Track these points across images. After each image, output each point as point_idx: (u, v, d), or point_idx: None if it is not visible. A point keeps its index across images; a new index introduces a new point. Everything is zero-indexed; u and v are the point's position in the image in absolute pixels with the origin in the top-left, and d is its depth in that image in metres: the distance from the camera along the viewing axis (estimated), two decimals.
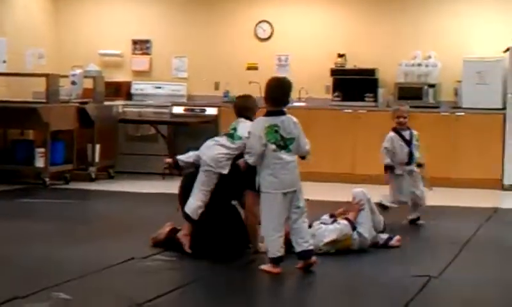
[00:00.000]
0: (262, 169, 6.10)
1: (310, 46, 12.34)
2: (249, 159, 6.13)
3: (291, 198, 6.08)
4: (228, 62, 12.58)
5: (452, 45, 11.79)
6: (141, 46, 13.00)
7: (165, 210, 7.73)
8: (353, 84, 11.92)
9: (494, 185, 11.09)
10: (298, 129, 6.18)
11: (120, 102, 12.36)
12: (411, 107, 9.13)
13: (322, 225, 6.81)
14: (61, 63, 12.55)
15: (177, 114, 12.32)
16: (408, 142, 8.37)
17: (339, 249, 6.72)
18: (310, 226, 6.60)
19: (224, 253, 6.50)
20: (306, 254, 6.10)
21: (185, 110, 12.36)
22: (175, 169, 7.07)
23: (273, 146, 6.06)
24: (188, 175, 6.79)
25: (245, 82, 11.83)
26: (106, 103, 11.84)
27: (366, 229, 6.89)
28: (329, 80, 12.10)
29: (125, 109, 12.39)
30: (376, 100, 11.85)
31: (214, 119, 11.98)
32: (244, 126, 6.54)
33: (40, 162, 10.64)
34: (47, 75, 10.93)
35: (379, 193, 7.68)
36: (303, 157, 6.32)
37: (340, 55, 12.13)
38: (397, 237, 7.17)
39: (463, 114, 11.38)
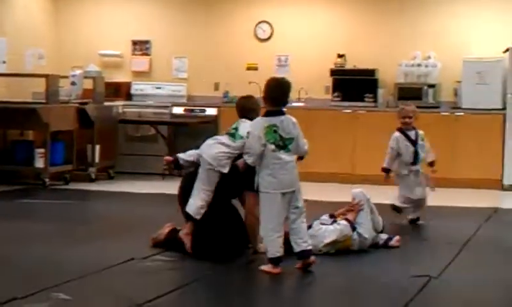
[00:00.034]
0: (261, 169, 6.10)
1: (309, 46, 12.34)
2: (248, 159, 6.13)
3: (290, 198, 6.08)
4: (228, 62, 12.58)
5: (451, 45, 11.79)
6: (141, 46, 13.00)
7: (165, 211, 7.74)
8: (353, 84, 11.92)
9: (494, 185, 11.09)
10: (297, 129, 6.18)
11: (119, 103, 12.36)
12: None
13: (322, 225, 6.81)
14: (60, 64, 12.56)
15: (177, 114, 12.32)
16: (413, 142, 8.37)
17: (339, 250, 6.72)
18: (310, 227, 6.61)
19: (225, 253, 6.50)
20: (305, 254, 6.10)
21: (185, 110, 12.36)
22: (174, 168, 7.06)
23: (272, 146, 6.06)
24: (187, 176, 6.79)
25: (245, 82, 11.83)
26: (106, 103, 11.84)
27: (366, 230, 6.89)
28: (328, 81, 12.10)
29: (125, 110, 12.38)
30: (375, 101, 11.85)
31: (213, 120, 11.98)
32: (245, 126, 6.52)
33: (39, 163, 10.63)
34: (46, 76, 10.93)
35: (379, 193, 7.67)
36: (300, 158, 6.33)
37: (340, 56, 12.13)
38: (397, 237, 7.17)
39: (462, 114, 11.39)
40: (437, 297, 5.64)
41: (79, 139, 11.26)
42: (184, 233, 6.61)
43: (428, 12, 12.00)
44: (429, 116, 11.16)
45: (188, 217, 6.57)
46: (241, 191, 6.62)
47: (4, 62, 11.76)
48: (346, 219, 6.86)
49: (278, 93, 6.21)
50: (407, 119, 8.42)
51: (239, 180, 6.43)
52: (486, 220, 8.59)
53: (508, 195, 10.82)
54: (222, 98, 12.50)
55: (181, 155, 6.85)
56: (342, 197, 7.76)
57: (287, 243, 6.13)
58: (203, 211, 6.51)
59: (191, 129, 11.65)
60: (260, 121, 6.16)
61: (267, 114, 6.17)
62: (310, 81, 12.18)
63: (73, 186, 10.82)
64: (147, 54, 12.98)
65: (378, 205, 7.19)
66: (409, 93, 11.48)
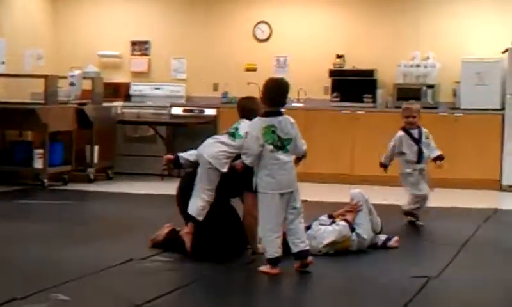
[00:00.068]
0: (259, 170, 6.10)
1: (308, 47, 12.34)
2: (247, 160, 6.12)
3: (288, 199, 6.08)
4: (227, 63, 12.58)
5: (450, 45, 11.79)
6: (140, 47, 13.00)
7: (164, 211, 7.73)
8: (352, 84, 11.92)
9: (492, 185, 11.09)
10: (295, 129, 6.18)
11: (118, 103, 12.36)
12: None
13: (321, 226, 6.81)
14: (59, 64, 12.55)
15: (176, 115, 12.32)
16: (417, 141, 8.37)
17: (338, 250, 6.71)
18: (309, 227, 6.61)
19: (224, 253, 6.49)
20: (302, 255, 6.10)
21: (183, 111, 12.36)
22: (174, 167, 7.05)
23: (270, 147, 6.06)
24: (186, 176, 6.78)
25: (244, 83, 11.84)
26: (105, 104, 11.84)
27: (364, 230, 6.88)
28: (327, 81, 12.10)
29: (124, 110, 12.38)
30: (374, 101, 11.85)
31: (212, 120, 11.97)
32: (245, 126, 6.52)
33: (38, 163, 10.63)
34: (45, 76, 10.93)
35: (378, 194, 7.68)
36: (299, 158, 6.32)
37: (339, 56, 12.13)
38: (396, 238, 7.17)
39: (461, 114, 11.39)
40: (436, 298, 5.64)
41: (78, 139, 11.25)
42: (185, 232, 6.58)
43: (427, 12, 12.01)
44: (428, 117, 11.11)
45: (189, 217, 6.55)
46: (241, 191, 6.61)
47: (3, 62, 11.75)
48: (345, 220, 6.85)
49: (276, 93, 6.20)
50: (410, 119, 8.41)
51: (238, 180, 6.42)
52: (484, 221, 8.58)
53: (507, 195, 10.82)
54: (221, 98, 12.50)
55: (182, 154, 6.83)
56: (341, 198, 7.75)
57: (284, 243, 6.13)
58: (205, 212, 6.48)
59: (189, 130, 11.65)
60: (258, 122, 6.15)
61: (265, 114, 6.16)
62: (309, 82, 12.17)
63: (71, 187, 10.81)
64: (146, 55, 12.98)
65: (377, 206, 7.19)
66: (408, 93, 11.46)
